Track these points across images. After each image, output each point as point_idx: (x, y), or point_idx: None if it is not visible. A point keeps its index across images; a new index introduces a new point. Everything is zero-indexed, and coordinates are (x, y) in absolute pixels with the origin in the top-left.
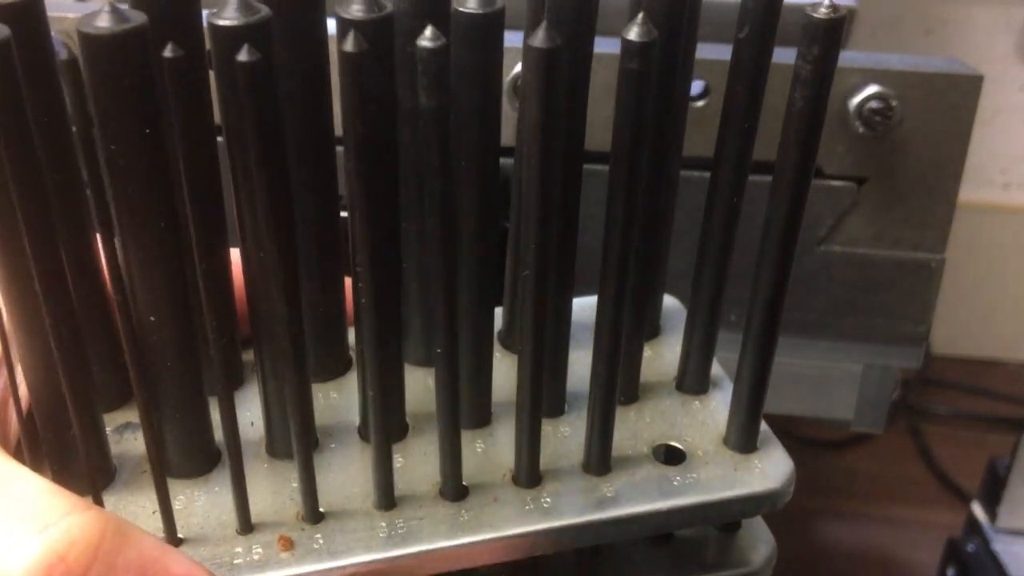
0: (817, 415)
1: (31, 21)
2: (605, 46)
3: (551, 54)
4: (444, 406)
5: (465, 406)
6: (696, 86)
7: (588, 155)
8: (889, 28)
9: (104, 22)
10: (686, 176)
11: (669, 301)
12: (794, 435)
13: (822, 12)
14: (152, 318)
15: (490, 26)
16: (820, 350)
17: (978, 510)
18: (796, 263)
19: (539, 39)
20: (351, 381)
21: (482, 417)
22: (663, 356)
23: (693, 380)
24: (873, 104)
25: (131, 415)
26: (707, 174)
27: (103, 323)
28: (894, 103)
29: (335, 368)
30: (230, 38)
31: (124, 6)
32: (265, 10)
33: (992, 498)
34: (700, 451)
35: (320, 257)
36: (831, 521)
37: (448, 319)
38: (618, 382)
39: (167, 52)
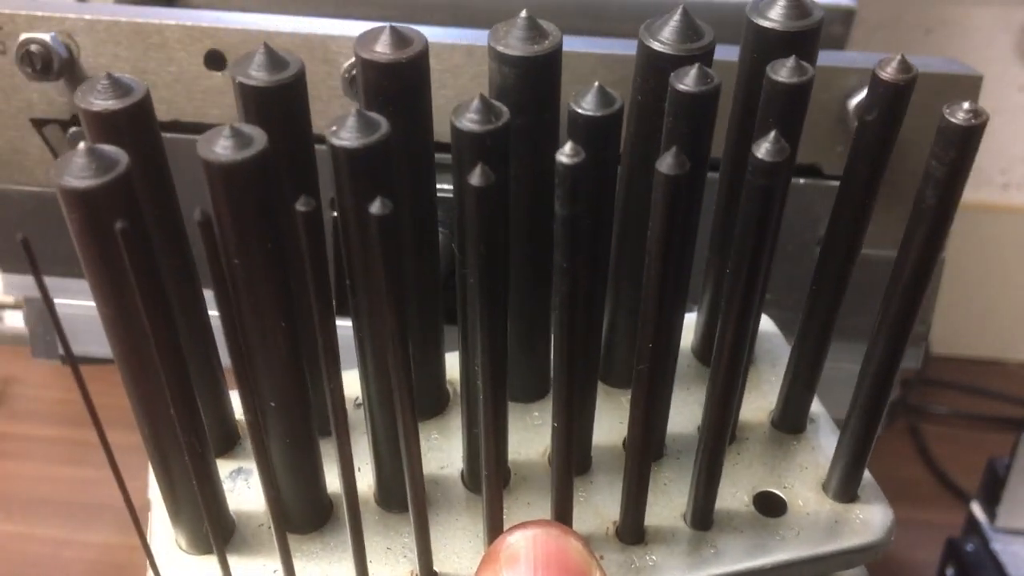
0: None
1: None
2: (606, 47)
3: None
4: (559, 452)
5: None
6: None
7: None
8: (889, 28)
9: (225, 150)
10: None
11: (763, 323)
12: None
13: (960, 117)
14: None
15: (608, 127)
16: None
17: (977, 510)
18: (796, 263)
19: (666, 165)
20: (451, 419)
21: (583, 462)
22: (758, 387)
23: (792, 417)
24: None
25: (241, 461)
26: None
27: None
28: None
29: (433, 406)
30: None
31: (244, 127)
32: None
33: (991, 498)
34: (800, 500)
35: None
36: None
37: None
38: (729, 425)
39: (300, 206)
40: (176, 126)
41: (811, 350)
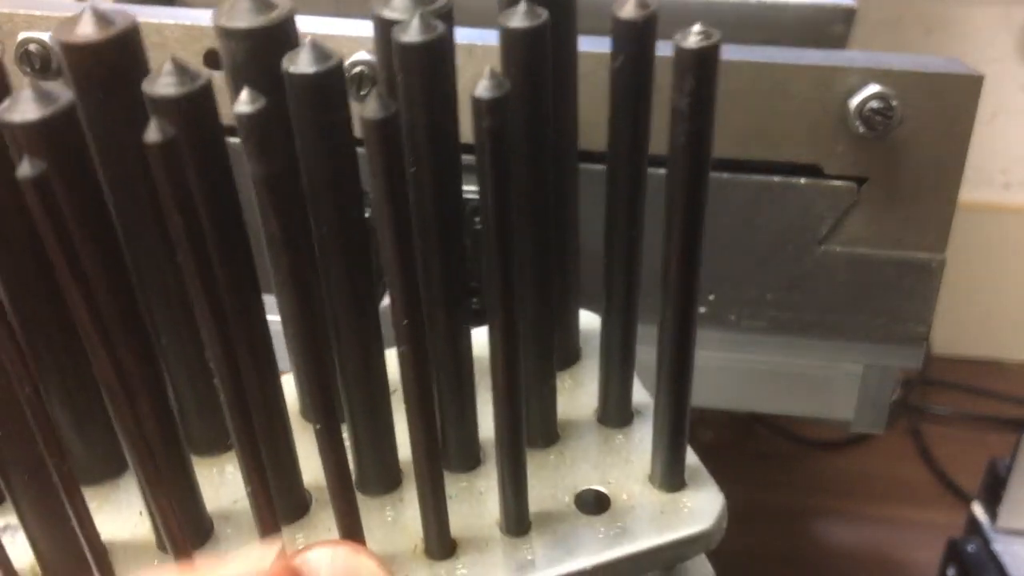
0: (817, 415)
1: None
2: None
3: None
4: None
5: (369, 468)
6: None
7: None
8: (889, 28)
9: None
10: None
11: (588, 318)
12: (794, 435)
13: (693, 41)
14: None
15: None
16: (820, 350)
17: (978, 510)
18: (796, 263)
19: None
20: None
21: (391, 480)
22: (584, 385)
23: (614, 411)
24: (873, 104)
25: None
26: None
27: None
28: (894, 103)
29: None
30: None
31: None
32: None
33: (992, 498)
34: (625, 494)
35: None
36: (831, 521)
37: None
38: (524, 425)
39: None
40: None
41: (618, 338)
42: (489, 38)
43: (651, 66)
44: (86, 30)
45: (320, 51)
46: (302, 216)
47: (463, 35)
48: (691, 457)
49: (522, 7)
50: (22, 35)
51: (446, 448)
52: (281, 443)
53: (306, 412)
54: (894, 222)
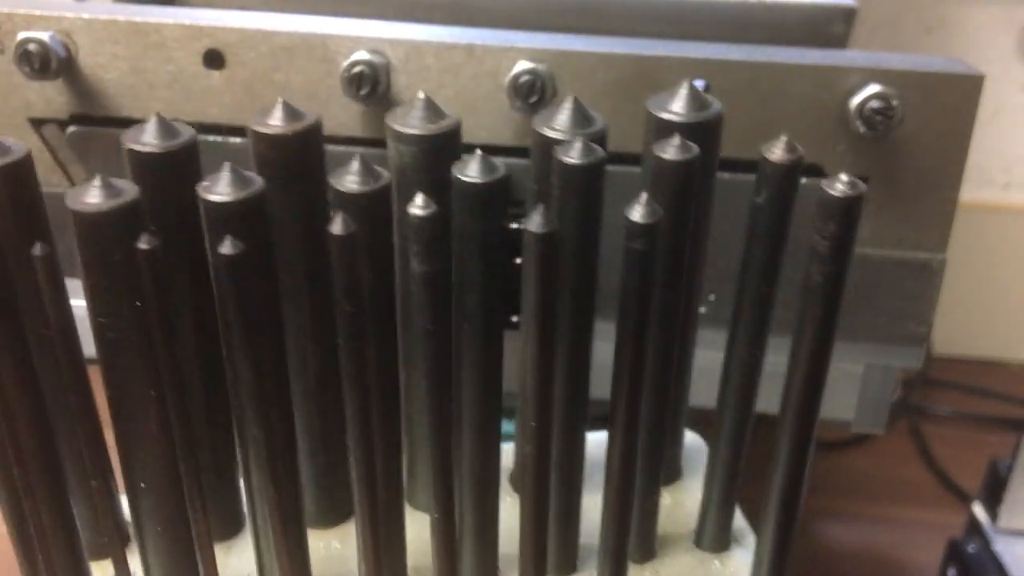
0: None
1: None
2: (606, 47)
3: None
4: (441, 561)
5: (469, 559)
6: (696, 86)
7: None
8: (889, 28)
9: (94, 198)
10: None
11: (691, 438)
12: None
13: (839, 189)
14: (143, 484)
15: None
16: None
17: (979, 511)
18: (796, 263)
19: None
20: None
21: (487, 573)
22: (683, 504)
23: (713, 535)
24: (874, 104)
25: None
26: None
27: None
28: (895, 103)
29: (336, 516)
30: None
31: (118, 181)
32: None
33: (993, 499)
34: None
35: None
36: (831, 521)
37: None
38: (629, 537)
39: (142, 243)
40: None
41: (724, 464)
42: (488, 38)
43: (792, 206)
44: (276, 122)
45: (488, 163)
46: (449, 313)
47: (464, 35)
48: None
49: (676, 140)
50: (21, 35)
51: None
52: (395, 524)
53: (412, 499)
54: (894, 222)
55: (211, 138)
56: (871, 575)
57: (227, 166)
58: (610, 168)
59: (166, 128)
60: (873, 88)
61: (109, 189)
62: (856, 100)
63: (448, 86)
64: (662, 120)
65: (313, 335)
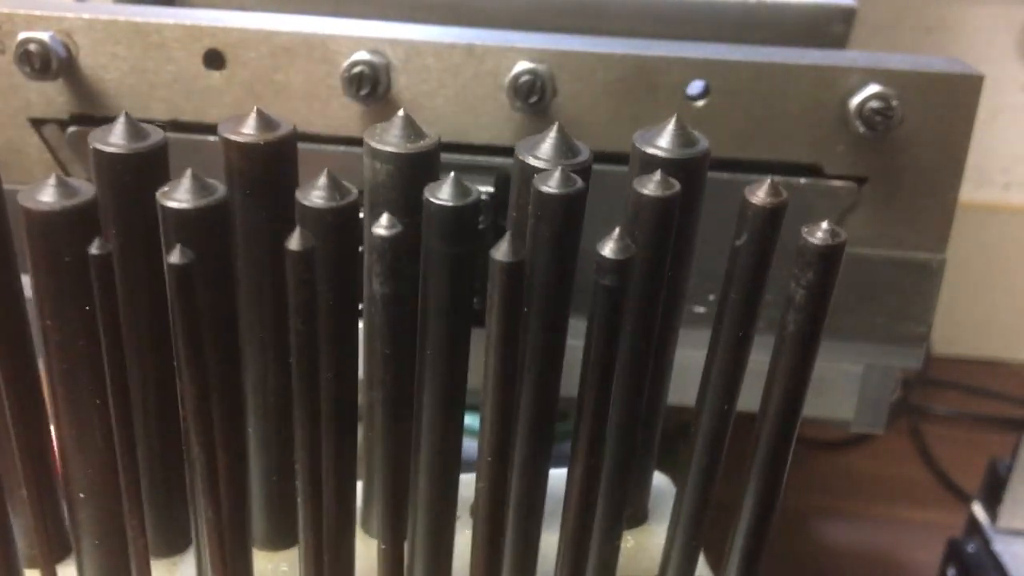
0: (817, 415)
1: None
2: (606, 47)
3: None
4: None
5: None
6: (696, 86)
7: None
8: (889, 28)
9: (48, 196)
10: None
11: (660, 480)
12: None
13: (819, 237)
14: (81, 494)
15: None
16: (820, 350)
17: (979, 510)
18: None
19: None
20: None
21: None
22: (647, 548)
23: None
24: (874, 104)
25: None
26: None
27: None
28: (895, 103)
29: (288, 539)
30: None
31: (74, 180)
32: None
33: (993, 498)
34: None
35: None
36: (831, 521)
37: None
38: None
39: (94, 248)
40: (175, 126)
41: (692, 507)
42: (488, 38)
43: (773, 250)
44: (249, 130)
45: (461, 187)
46: (412, 337)
47: (464, 35)
48: None
49: (657, 176)
50: (22, 35)
51: None
52: (343, 552)
53: (366, 524)
54: (894, 222)
55: (211, 138)
56: (871, 575)
57: (188, 172)
58: (610, 168)
59: (134, 129)
60: (873, 88)
61: (64, 188)
62: (856, 100)
63: (448, 86)
64: (647, 155)
65: (275, 351)
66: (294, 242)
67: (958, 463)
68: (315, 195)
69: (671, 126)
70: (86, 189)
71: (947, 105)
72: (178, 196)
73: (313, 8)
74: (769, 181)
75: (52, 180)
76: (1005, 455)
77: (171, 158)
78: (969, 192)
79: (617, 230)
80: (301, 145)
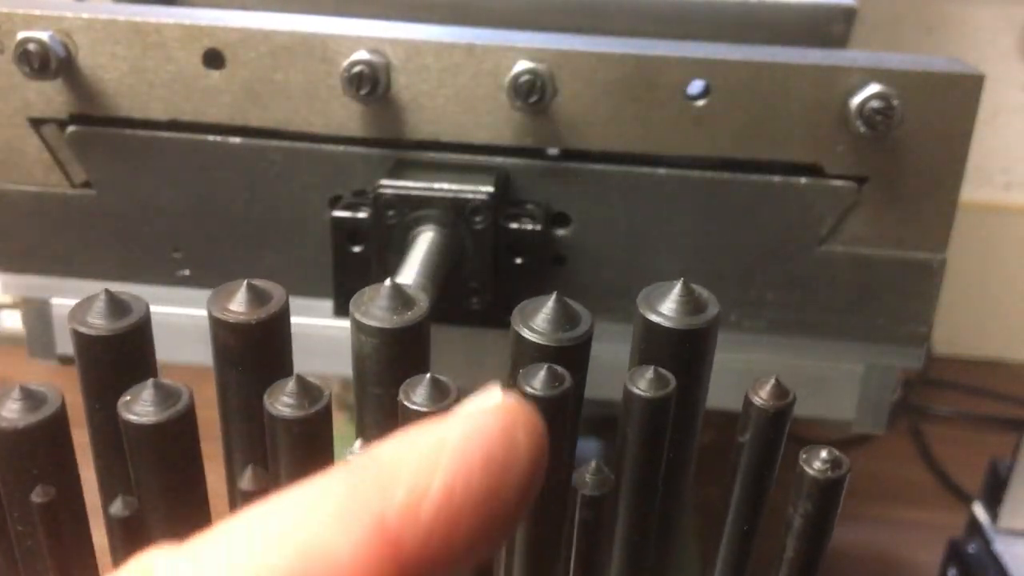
0: (817, 415)
1: None
2: (606, 47)
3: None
4: None
5: None
6: (696, 86)
7: (590, 155)
8: (889, 28)
9: (11, 412)
10: (683, 176)
11: None
12: (794, 435)
13: (816, 468)
14: None
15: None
16: (820, 350)
17: (979, 511)
18: (796, 263)
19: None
20: None
21: None
22: None
23: None
24: (874, 104)
25: None
26: (707, 173)
27: None
28: (895, 103)
29: None
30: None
31: (38, 386)
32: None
33: (993, 499)
34: None
35: None
36: None
37: None
38: None
39: (36, 496)
40: (174, 125)
41: None
42: (488, 38)
43: (779, 450)
44: (239, 307)
45: (439, 387)
46: None
47: (464, 34)
48: None
49: (650, 372)
50: (21, 34)
51: None
52: None
53: None
54: (894, 222)
55: (211, 138)
56: (871, 575)
57: (151, 382)
58: (610, 168)
59: (115, 305)
60: (873, 88)
61: (29, 401)
62: (856, 100)
63: (448, 86)
64: (650, 323)
65: None
66: (245, 482)
67: (958, 463)
68: (283, 402)
69: (677, 288)
70: (53, 398)
71: (948, 105)
72: (137, 410)
73: (313, 8)
74: (774, 380)
75: (16, 393)
76: (1005, 455)
77: (171, 158)
78: (969, 192)
79: (593, 463)
80: (301, 145)
